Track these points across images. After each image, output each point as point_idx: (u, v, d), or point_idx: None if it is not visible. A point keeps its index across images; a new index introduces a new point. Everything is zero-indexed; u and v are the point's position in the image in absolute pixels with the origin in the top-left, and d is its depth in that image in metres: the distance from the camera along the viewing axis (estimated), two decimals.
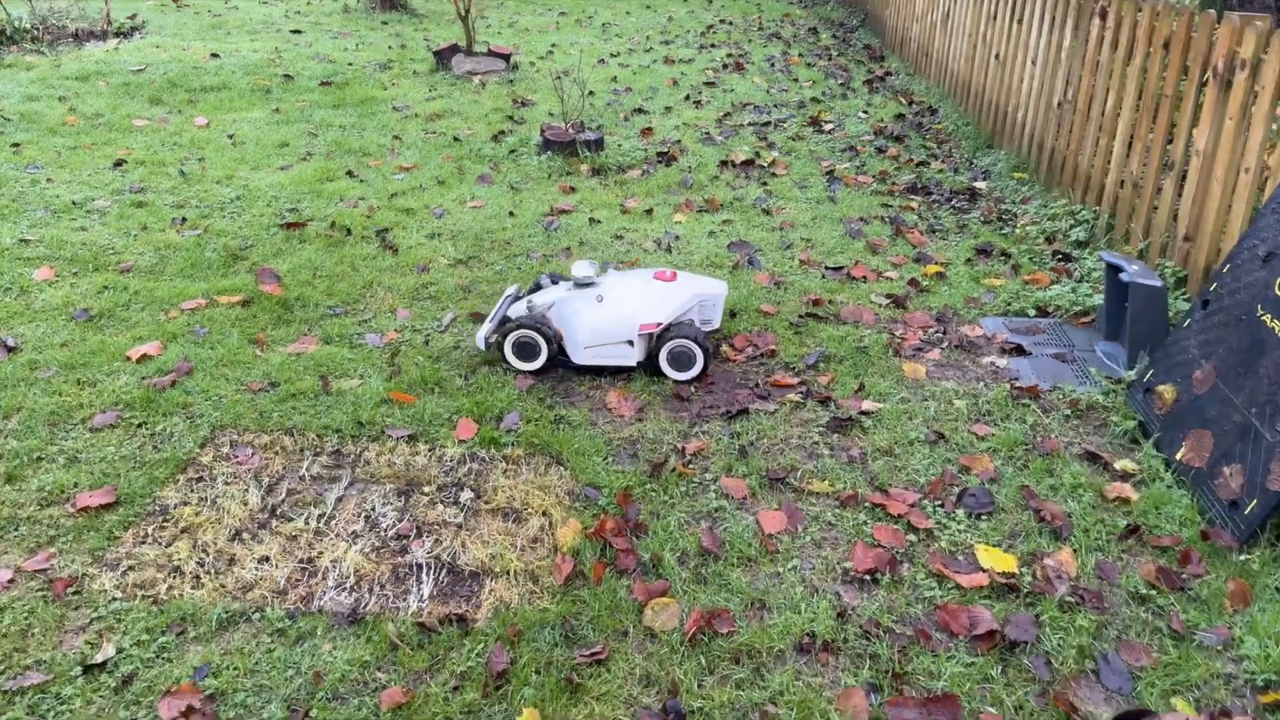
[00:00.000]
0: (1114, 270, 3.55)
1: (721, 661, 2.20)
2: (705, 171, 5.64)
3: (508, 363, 3.42)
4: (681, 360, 3.34)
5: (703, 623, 2.27)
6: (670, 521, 2.64)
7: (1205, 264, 3.64)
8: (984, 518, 2.67)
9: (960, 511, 2.68)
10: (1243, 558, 2.48)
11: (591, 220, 4.86)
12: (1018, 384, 3.32)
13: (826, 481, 2.82)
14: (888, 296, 4.03)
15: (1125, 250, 4.20)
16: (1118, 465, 2.89)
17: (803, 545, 2.57)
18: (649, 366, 3.41)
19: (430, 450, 2.96)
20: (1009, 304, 3.98)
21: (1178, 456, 2.86)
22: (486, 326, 3.43)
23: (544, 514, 2.67)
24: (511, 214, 4.93)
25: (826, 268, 4.32)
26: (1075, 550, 2.53)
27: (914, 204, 5.16)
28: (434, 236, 4.60)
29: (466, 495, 2.76)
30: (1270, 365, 2.64)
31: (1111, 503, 2.74)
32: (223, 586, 2.39)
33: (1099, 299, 3.83)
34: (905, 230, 4.75)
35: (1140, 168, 4.19)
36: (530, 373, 3.41)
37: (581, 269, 3.50)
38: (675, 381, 3.35)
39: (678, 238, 4.64)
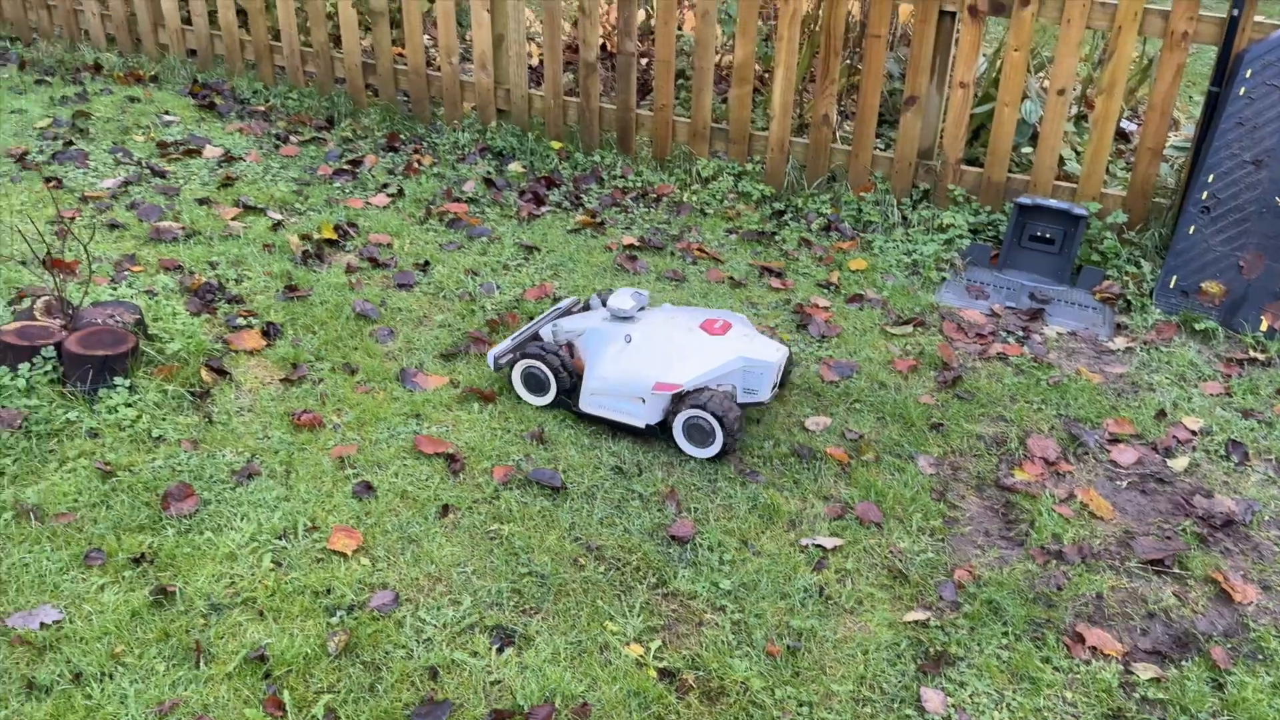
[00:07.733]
0: (1020, 209, 3.91)
1: None
2: None
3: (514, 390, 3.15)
4: (695, 434, 2.90)
5: None
6: None
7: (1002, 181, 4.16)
8: None
9: None
10: None
11: None
12: (1137, 348, 3.58)
13: None
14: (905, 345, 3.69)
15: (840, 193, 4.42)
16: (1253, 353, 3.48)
17: None
18: (664, 431, 2.95)
19: None
20: (909, 263, 4.03)
21: (1262, 329, 3.56)
22: (504, 344, 3.15)
23: None
24: None
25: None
26: None
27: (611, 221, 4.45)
28: None
29: None
30: None
31: None
32: None
33: (965, 240, 4.15)
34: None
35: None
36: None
37: (621, 299, 3.11)
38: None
39: None
